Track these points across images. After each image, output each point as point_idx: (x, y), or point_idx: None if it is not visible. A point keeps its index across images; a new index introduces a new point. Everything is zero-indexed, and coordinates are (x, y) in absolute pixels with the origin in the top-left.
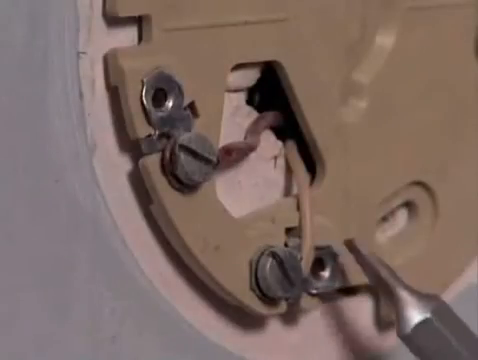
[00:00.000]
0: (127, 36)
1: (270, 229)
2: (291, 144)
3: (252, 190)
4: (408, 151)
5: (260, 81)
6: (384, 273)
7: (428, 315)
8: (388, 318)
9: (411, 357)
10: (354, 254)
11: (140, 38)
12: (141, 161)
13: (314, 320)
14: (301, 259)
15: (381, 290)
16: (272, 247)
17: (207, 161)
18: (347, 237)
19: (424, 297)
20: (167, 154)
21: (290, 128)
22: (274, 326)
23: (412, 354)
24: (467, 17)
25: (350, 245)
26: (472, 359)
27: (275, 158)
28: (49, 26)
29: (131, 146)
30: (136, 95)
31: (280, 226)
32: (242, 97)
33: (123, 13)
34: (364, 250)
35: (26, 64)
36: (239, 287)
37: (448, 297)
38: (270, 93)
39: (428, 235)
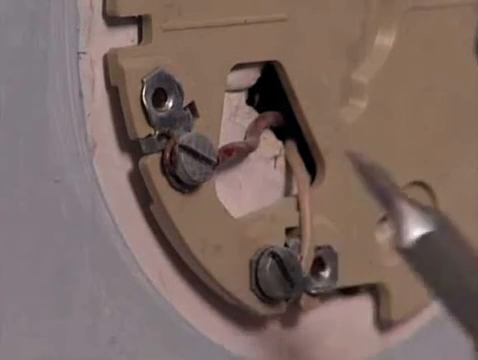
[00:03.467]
0: (127, 36)
1: (270, 229)
2: (291, 144)
3: (252, 190)
4: (408, 151)
5: (260, 81)
6: (385, 183)
7: (431, 229)
8: (388, 318)
9: (411, 357)
10: (354, 163)
11: (140, 38)
12: (141, 161)
13: (314, 320)
14: (301, 259)
15: (380, 202)
16: (272, 247)
17: (207, 161)
18: (347, 237)
19: (426, 210)
20: (167, 154)
21: (290, 128)
22: (274, 326)
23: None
24: (467, 17)
25: (350, 154)
26: (472, 276)
27: (275, 158)
28: (49, 26)
29: (131, 146)
30: (136, 95)
31: (280, 226)
32: (242, 97)
33: (123, 13)
34: (365, 159)
35: (26, 64)
36: (239, 287)
37: None
38: (270, 93)
39: None
